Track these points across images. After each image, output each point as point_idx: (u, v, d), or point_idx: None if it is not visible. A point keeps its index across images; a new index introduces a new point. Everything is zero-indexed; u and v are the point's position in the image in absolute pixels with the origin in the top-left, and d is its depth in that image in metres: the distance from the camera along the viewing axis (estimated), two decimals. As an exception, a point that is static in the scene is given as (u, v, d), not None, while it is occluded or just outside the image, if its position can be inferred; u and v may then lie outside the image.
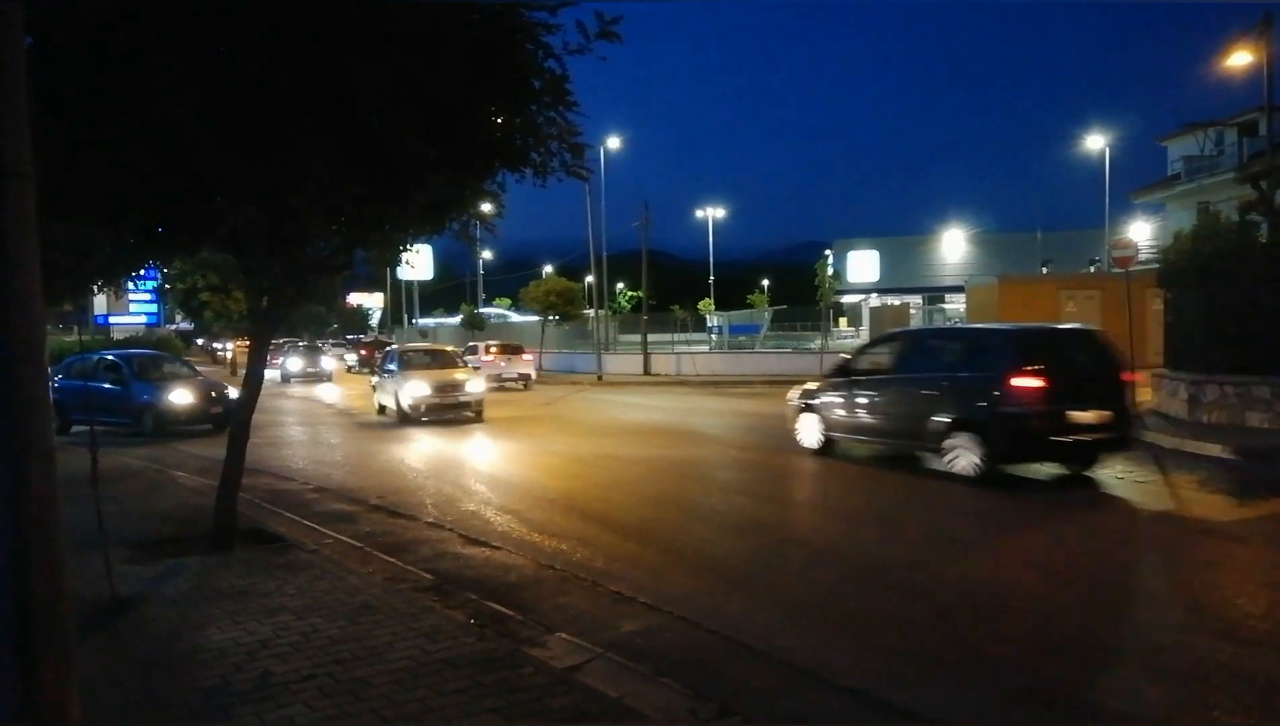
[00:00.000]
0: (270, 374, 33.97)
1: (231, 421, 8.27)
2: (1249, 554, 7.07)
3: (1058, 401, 9.46)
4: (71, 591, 2.82)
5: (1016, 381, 9.53)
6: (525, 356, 30.05)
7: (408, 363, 19.33)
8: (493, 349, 30.15)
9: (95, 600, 5.64)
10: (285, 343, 37.21)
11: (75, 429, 15.78)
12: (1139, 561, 7.19)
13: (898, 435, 11.10)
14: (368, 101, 5.47)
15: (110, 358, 18.01)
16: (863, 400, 11.61)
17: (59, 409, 16.33)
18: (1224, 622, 5.35)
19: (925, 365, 11.02)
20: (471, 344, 33.53)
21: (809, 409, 12.60)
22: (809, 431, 12.55)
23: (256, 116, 5.54)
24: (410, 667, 4.57)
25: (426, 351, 21.83)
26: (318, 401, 25.41)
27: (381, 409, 19.44)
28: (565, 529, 8.22)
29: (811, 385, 12.96)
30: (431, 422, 17.64)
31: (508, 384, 28.35)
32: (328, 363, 36.94)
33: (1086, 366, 10.12)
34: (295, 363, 35.34)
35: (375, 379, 21.16)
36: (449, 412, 18.10)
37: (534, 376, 29.69)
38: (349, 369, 42.77)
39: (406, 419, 17.82)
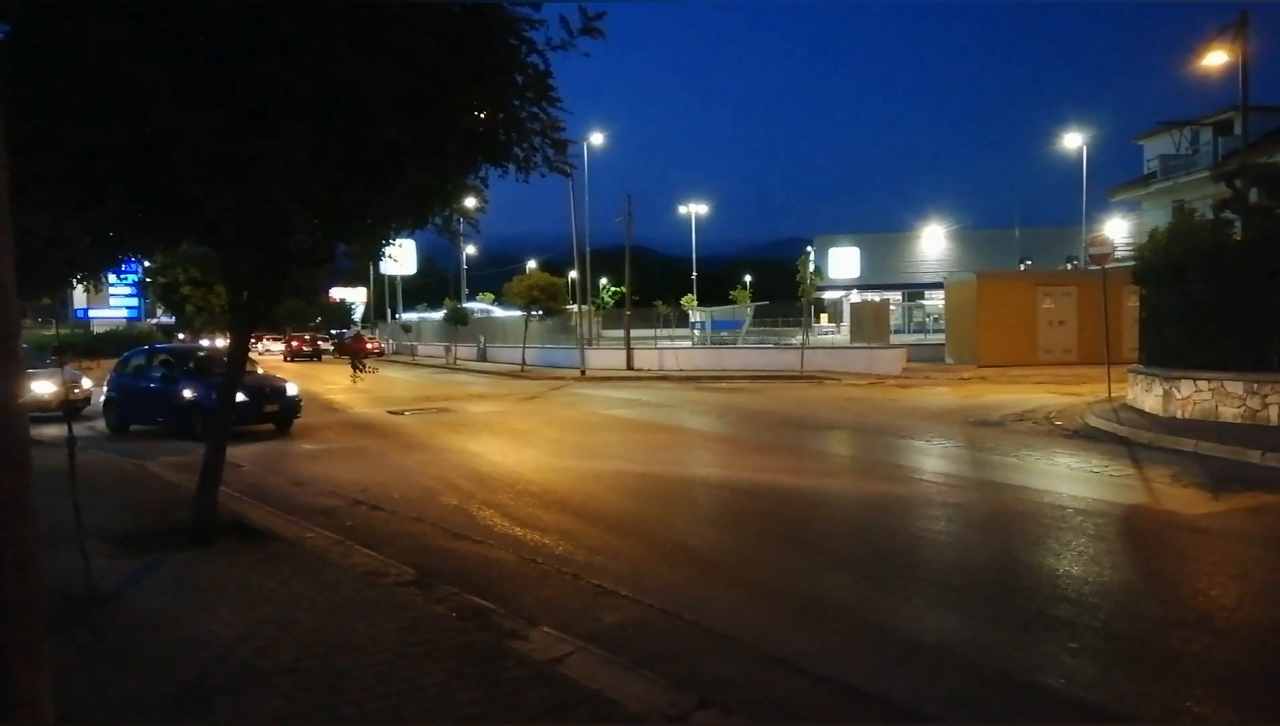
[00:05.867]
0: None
1: (211, 417, 8.20)
2: (1222, 546, 7.19)
3: None
4: (43, 589, 2.80)
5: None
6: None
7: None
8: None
9: (73, 594, 5.61)
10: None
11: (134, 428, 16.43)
12: (1110, 554, 7.29)
13: None
14: (344, 86, 5.45)
15: (163, 354, 17.56)
16: None
17: (116, 407, 16.78)
18: (1197, 614, 5.45)
19: None
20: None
21: None
22: None
23: (232, 100, 5.49)
24: (391, 660, 4.58)
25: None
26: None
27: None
28: (547, 523, 8.23)
29: None
30: (415, 415, 17.54)
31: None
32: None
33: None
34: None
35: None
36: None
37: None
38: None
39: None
